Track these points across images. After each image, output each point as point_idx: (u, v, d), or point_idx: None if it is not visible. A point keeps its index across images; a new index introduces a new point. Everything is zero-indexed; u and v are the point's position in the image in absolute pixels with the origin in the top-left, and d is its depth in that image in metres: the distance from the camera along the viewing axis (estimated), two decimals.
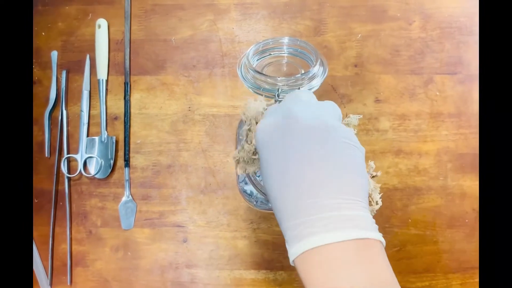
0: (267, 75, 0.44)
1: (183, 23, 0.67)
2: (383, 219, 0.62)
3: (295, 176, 0.33)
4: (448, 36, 0.66)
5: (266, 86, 0.44)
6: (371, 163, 0.40)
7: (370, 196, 0.38)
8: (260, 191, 0.42)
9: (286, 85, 0.44)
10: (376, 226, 0.33)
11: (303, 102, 0.38)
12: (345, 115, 0.63)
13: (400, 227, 0.62)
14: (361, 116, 0.44)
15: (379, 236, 0.32)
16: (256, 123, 0.41)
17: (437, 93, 0.65)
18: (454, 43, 0.66)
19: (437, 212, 0.63)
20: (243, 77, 0.46)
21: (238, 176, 0.46)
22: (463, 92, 0.65)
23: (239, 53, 0.66)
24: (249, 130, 0.40)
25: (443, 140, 0.64)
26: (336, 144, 0.34)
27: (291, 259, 0.33)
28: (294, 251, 0.32)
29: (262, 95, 0.45)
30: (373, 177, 0.41)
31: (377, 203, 0.39)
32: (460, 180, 0.63)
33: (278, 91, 0.43)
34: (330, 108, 0.39)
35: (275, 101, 0.43)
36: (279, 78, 0.44)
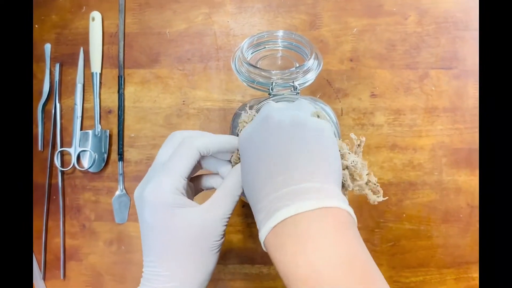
0: (261, 69, 0.44)
1: (177, 16, 0.67)
2: (377, 213, 0.62)
3: (266, 166, 0.35)
4: (444, 31, 0.65)
5: (260, 80, 0.44)
6: (352, 135, 0.40)
7: (354, 173, 0.38)
8: None
9: (281, 78, 0.44)
10: (346, 200, 0.34)
11: (277, 106, 0.40)
12: (341, 110, 0.64)
13: (395, 222, 0.62)
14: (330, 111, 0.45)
15: (348, 208, 0.33)
16: None
17: (433, 88, 0.64)
18: (449, 38, 0.65)
19: (431, 207, 0.63)
20: (237, 71, 0.46)
21: None
22: (458, 87, 0.64)
23: (234, 47, 0.66)
24: None
25: (438, 135, 0.64)
26: (305, 135, 0.36)
27: (262, 242, 0.33)
28: (262, 233, 0.33)
29: (256, 88, 0.45)
30: (359, 147, 0.40)
31: (369, 182, 0.39)
32: (455, 175, 0.63)
33: (272, 84, 0.43)
34: (302, 105, 0.41)
35: (269, 94, 0.43)
36: (273, 72, 0.44)
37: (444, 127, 0.64)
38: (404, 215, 0.63)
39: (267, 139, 0.36)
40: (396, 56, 0.65)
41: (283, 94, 0.43)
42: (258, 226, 0.34)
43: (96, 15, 0.65)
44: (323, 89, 0.64)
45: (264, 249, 0.34)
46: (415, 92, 0.64)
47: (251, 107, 0.45)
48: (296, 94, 0.42)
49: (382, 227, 0.62)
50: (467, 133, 0.64)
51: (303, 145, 0.35)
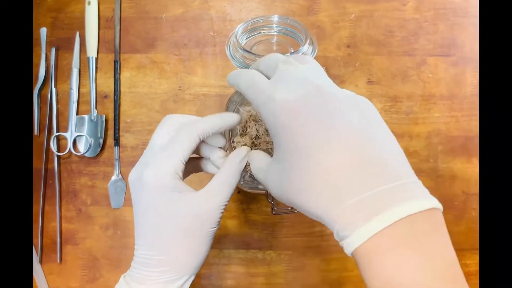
0: (255, 54, 0.44)
1: (174, 1, 0.66)
2: None
3: (349, 154, 0.29)
4: (442, 18, 0.65)
5: None
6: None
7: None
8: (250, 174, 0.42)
9: None
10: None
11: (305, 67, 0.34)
12: None
13: None
14: None
15: (440, 206, 0.29)
16: (253, 120, 0.41)
17: (430, 75, 0.64)
18: (448, 25, 0.65)
19: None
20: (232, 56, 0.46)
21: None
22: (456, 74, 0.64)
23: (231, 32, 0.65)
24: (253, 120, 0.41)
25: (434, 122, 0.64)
26: (377, 117, 0.33)
27: (351, 249, 0.27)
28: (356, 238, 0.27)
29: None
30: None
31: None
32: (451, 163, 0.63)
33: None
34: (319, 68, 0.36)
35: None
36: None
37: (441, 114, 0.64)
38: None
39: (335, 115, 0.30)
40: (393, 42, 0.65)
41: None
42: (334, 226, 0.28)
43: None
44: None
45: (350, 255, 0.28)
46: (413, 79, 0.64)
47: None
48: None
49: None
50: (464, 121, 0.63)
51: (383, 128, 0.31)
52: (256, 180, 0.38)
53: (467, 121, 0.63)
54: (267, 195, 0.44)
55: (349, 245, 0.27)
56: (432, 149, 0.63)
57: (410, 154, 0.63)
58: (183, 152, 0.36)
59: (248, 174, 0.42)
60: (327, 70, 0.64)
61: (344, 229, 0.27)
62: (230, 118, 0.39)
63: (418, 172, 0.61)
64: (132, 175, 0.38)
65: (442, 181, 0.63)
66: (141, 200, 0.37)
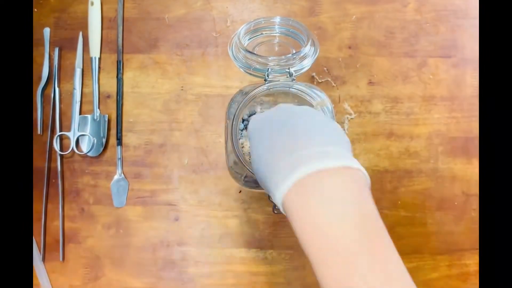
0: (257, 55, 0.44)
1: (176, 1, 0.67)
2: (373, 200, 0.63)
3: (285, 137, 0.35)
4: (443, 19, 0.65)
5: (257, 66, 0.44)
6: None
7: None
8: (248, 169, 0.42)
9: (277, 65, 0.44)
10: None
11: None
12: (338, 97, 0.64)
13: (390, 209, 0.63)
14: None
15: (364, 171, 0.33)
16: None
17: (431, 76, 0.65)
18: (449, 26, 0.65)
19: (426, 195, 0.63)
20: (234, 57, 0.46)
21: (228, 156, 0.46)
22: (456, 75, 0.65)
23: (233, 33, 0.65)
24: None
25: (435, 123, 0.64)
26: (317, 117, 0.38)
27: (280, 203, 0.33)
28: (281, 190, 0.32)
29: (253, 74, 0.45)
30: None
31: None
32: (451, 163, 0.64)
33: (268, 71, 0.43)
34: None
35: (265, 80, 0.43)
36: (269, 58, 0.44)
37: (441, 115, 0.64)
38: (400, 202, 0.63)
39: (280, 117, 0.38)
40: (394, 43, 0.65)
41: (278, 80, 0.43)
42: (272, 191, 0.34)
43: (95, 0, 0.65)
44: (321, 76, 0.64)
45: (281, 209, 0.34)
46: (413, 80, 0.65)
47: (246, 93, 0.45)
48: (292, 80, 0.43)
49: None
50: (464, 122, 0.64)
51: (318, 122, 0.37)
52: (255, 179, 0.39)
53: (468, 122, 0.64)
54: (269, 195, 0.45)
55: (278, 197, 0.33)
56: (432, 150, 0.64)
57: (410, 154, 0.63)
58: None
59: (245, 174, 0.42)
60: (328, 71, 0.64)
61: (273, 188, 0.33)
62: None
63: (418, 172, 0.62)
64: None
65: (442, 181, 0.63)
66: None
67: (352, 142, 0.63)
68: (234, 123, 0.41)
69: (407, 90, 0.64)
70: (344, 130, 0.64)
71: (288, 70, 0.43)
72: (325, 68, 0.65)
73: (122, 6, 0.66)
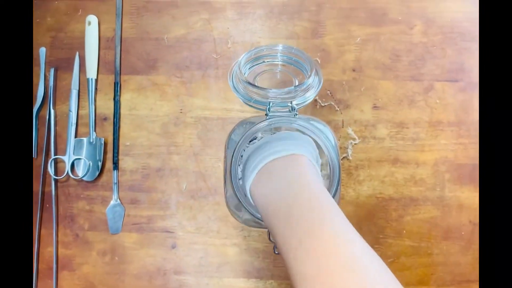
0: (258, 87, 0.42)
1: (176, 21, 0.65)
2: (377, 229, 0.61)
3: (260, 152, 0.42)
4: (450, 42, 0.63)
5: (257, 98, 0.42)
6: None
7: None
8: (246, 207, 0.40)
9: (278, 97, 0.42)
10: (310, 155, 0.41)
11: None
12: (341, 122, 0.62)
13: (395, 238, 0.61)
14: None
15: (307, 155, 0.40)
16: None
17: (437, 101, 0.63)
18: (456, 49, 0.63)
19: (432, 224, 0.61)
20: (234, 88, 0.44)
21: (226, 192, 0.44)
22: (464, 100, 0.63)
23: (234, 54, 0.64)
24: None
25: (441, 149, 0.62)
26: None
27: (249, 194, 0.40)
28: (248, 182, 0.40)
29: (253, 107, 0.43)
30: None
31: None
32: (458, 192, 0.61)
33: (269, 104, 0.41)
34: None
35: (266, 114, 0.41)
36: (270, 91, 0.42)
37: (448, 141, 0.62)
38: (405, 231, 0.61)
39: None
40: (400, 67, 0.63)
41: (280, 115, 0.41)
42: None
43: (93, 19, 0.64)
44: (324, 100, 0.62)
45: (251, 200, 0.41)
46: (419, 105, 0.63)
47: (247, 125, 0.43)
48: (294, 116, 0.41)
49: (381, 243, 0.61)
50: (472, 148, 0.62)
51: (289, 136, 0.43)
52: (255, 215, 0.39)
53: (475, 148, 0.62)
54: (269, 234, 0.42)
55: (247, 191, 0.40)
56: (439, 177, 0.62)
57: (416, 182, 0.61)
58: None
59: (243, 211, 0.40)
60: (332, 95, 0.63)
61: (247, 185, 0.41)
62: None
63: (424, 200, 0.60)
64: None
65: (448, 210, 0.61)
66: None
67: (356, 168, 0.61)
68: (233, 160, 0.39)
69: (413, 115, 0.62)
70: (348, 155, 0.62)
71: (290, 104, 0.41)
72: (328, 92, 0.63)
73: (120, 26, 0.64)
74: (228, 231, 0.61)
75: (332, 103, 0.63)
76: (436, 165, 0.62)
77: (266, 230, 0.45)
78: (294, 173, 0.38)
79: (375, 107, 0.63)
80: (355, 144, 0.62)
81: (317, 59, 0.63)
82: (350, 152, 0.62)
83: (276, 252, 0.42)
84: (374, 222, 0.61)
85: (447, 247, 0.61)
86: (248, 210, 0.39)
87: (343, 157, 0.62)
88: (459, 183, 0.61)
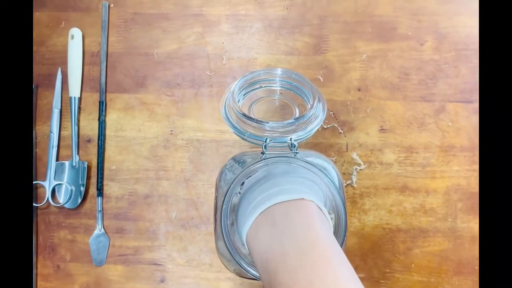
0: (254, 119, 0.37)
1: (167, 35, 0.60)
2: (383, 263, 0.56)
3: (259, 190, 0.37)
4: (464, 60, 0.58)
5: (253, 132, 0.38)
6: None
7: None
8: (237, 261, 0.35)
9: (276, 131, 0.37)
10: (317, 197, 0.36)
11: None
12: (346, 145, 0.57)
13: (402, 273, 0.56)
14: None
15: (315, 200, 0.35)
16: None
17: (450, 124, 0.58)
18: (470, 68, 0.58)
19: (443, 257, 0.56)
20: (227, 118, 0.39)
21: (216, 240, 0.39)
22: (478, 123, 0.58)
23: (229, 71, 0.59)
24: None
25: (453, 176, 0.57)
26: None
27: (245, 242, 0.35)
28: (244, 231, 0.35)
29: (248, 141, 0.38)
30: None
31: None
32: (471, 222, 0.57)
33: (265, 141, 0.36)
34: None
35: (262, 153, 0.36)
36: (267, 124, 0.37)
37: (461, 168, 0.57)
38: (413, 265, 0.56)
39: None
40: (409, 86, 0.58)
41: (278, 154, 0.36)
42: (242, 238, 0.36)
43: (76, 33, 0.59)
44: (327, 122, 0.58)
45: (246, 248, 0.36)
46: (430, 128, 0.58)
47: (240, 163, 0.38)
48: (294, 155, 0.36)
49: (388, 278, 0.56)
50: None
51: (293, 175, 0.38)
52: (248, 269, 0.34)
53: None
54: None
55: (244, 238, 0.35)
56: (450, 207, 0.57)
57: (426, 211, 0.56)
58: None
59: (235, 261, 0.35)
60: (335, 116, 0.58)
61: (242, 231, 0.36)
62: None
63: (435, 231, 0.55)
64: None
65: (461, 242, 0.56)
66: None
67: (361, 196, 0.57)
68: (224, 206, 0.34)
69: (423, 138, 0.57)
70: (352, 182, 0.57)
71: (290, 141, 0.36)
72: (331, 112, 0.58)
73: (106, 40, 0.59)
74: (222, 264, 0.56)
75: (336, 125, 0.58)
76: (447, 193, 0.57)
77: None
78: (302, 226, 0.32)
79: (382, 129, 0.58)
80: (360, 170, 0.57)
81: (320, 77, 0.58)
82: (354, 178, 0.57)
83: None
84: (380, 255, 0.56)
85: (459, 283, 0.56)
86: (240, 265, 0.34)
87: (347, 184, 0.57)
88: (472, 213, 0.57)
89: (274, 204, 0.34)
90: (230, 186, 0.34)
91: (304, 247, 0.30)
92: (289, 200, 0.34)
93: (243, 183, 0.36)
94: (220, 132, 0.58)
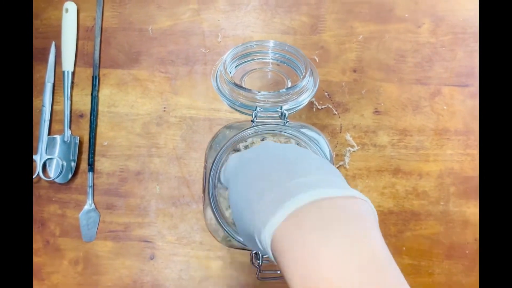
0: (245, 88, 0.37)
1: (162, 11, 0.59)
2: None
3: (276, 169, 0.30)
4: (461, 43, 0.58)
5: (244, 101, 0.37)
6: None
7: None
8: (224, 228, 0.35)
9: (267, 100, 0.37)
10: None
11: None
12: (339, 127, 0.57)
13: (393, 256, 0.55)
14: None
15: (372, 205, 0.28)
16: None
17: (444, 107, 0.57)
18: (467, 51, 0.58)
19: (434, 240, 0.56)
20: (218, 88, 0.39)
21: (205, 208, 0.39)
22: (473, 107, 0.57)
23: (224, 49, 0.58)
24: None
25: (447, 160, 0.57)
26: (307, 151, 0.33)
27: (268, 240, 0.26)
28: (273, 222, 0.25)
29: (238, 111, 0.38)
30: None
31: None
32: (463, 206, 0.56)
33: (255, 109, 0.36)
34: None
35: (252, 121, 0.36)
36: (259, 93, 0.36)
37: (455, 151, 0.57)
38: (404, 248, 0.56)
39: (267, 152, 0.32)
40: (405, 68, 0.58)
41: (267, 122, 0.36)
42: (257, 230, 0.27)
43: (71, 6, 0.58)
44: (321, 102, 0.57)
45: (269, 252, 0.27)
46: (425, 111, 0.57)
47: (231, 130, 0.38)
48: (284, 124, 0.35)
49: None
50: None
51: (311, 155, 0.32)
52: (234, 236, 0.32)
53: None
54: (252, 257, 0.37)
55: (267, 235, 0.25)
56: (443, 191, 0.56)
57: (418, 195, 0.56)
58: None
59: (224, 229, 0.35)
60: (330, 97, 0.57)
61: (263, 224, 0.26)
62: None
63: (427, 215, 0.54)
64: None
65: (452, 226, 0.56)
66: None
67: (353, 177, 0.56)
68: (212, 173, 0.34)
69: (418, 121, 0.57)
70: (345, 164, 0.56)
71: (280, 110, 0.36)
72: (326, 93, 0.57)
73: (101, 15, 0.59)
74: (212, 243, 0.56)
75: (330, 106, 0.57)
76: (440, 177, 0.57)
77: (249, 250, 0.40)
78: (364, 239, 0.25)
79: (376, 111, 0.57)
80: (354, 151, 0.57)
81: (315, 57, 0.58)
82: (347, 160, 0.56)
83: (260, 278, 0.37)
84: None
85: (450, 267, 0.56)
86: (227, 232, 0.34)
87: (340, 165, 0.57)
88: (465, 198, 0.56)
89: (319, 200, 0.25)
90: (218, 153, 0.34)
91: (365, 266, 0.24)
92: (339, 197, 0.26)
93: (236, 150, 0.36)
94: (213, 111, 0.58)
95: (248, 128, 0.35)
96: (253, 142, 0.37)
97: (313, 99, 0.57)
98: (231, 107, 0.38)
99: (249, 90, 0.37)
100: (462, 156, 0.57)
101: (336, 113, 0.57)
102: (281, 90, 0.37)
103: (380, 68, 0.58)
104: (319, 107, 0.57)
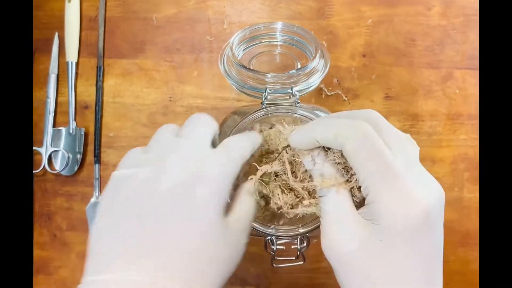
0: (253, 70, 0.36)
1: None
2: None
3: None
4: (473, 25, 0.57)
5: (253, 84, 0.36)
6: None
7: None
8: None
9: (277, 82, 0.36)
10: None
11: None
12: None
13: None
14: None
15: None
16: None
17: (457, 91, 0.56)
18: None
19: (449, 228, 0.55)
20: (226, 72, 0.38)
21: None
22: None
23: (230, 36, 0.57)
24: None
25: (460, 145, 0.55)
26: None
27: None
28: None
29: (248, 94, 0.37)
30: None
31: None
32: (478, 193, 0.55)
33: (265, 91, 0.35)
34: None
35: (262, 103, 0.35)
36: (268, 75, 0.35)
37: (468, 136, 0.56)
38: None
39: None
40: (416, 52, 0.57)
41: (279, 103, 0.35)
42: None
43: None
44: (331, 89, 0.56)
45: None
46: (437, 95, 0.56)
47: (241, 115, 0.37)
48: (295, 104, 0.34)
49: None
50: None
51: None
52: None
53: None
54: (267, 243, 0.36)
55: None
56: (457, 176, 0.55)
57: None
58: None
59: None
60: (339, 83, 0.56)
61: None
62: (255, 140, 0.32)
63: None
64: None
65: (467, 213, 0.55)
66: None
67: None
68: None
69: (429, 106, 0.56)
70: None
71: (290, 91, 0.35)
72: (335, 79, 0.56)
73: (104, 4, 0.58)
74: None
75: (340, 92, 0.56)
76: (454, 162, 0.55)
77: (263, 237, 0.39)
78: None
79: (387, 97, 0.56)
80: None
81: (323, 42, 0.57)
82: None
83: (274, 265, 0.36)
84: None
85: (465, 254, 0.55)
86: None
87: None
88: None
89: None
90: (228, 135, 0.33)
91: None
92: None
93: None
94: (220, 99, 0.57)
95: (258, 110, 0.34)
96: (261, 130, 0.36)
97: (323, 86, 0.56)
98: (240, 90, 0.37)
99: (258, 72, 0.36)
100: (476, 141, 0.55)
101: (346, 99, 0.56)
102: (290, 71, 0.36)
103: (389, 53, 0.57)
104: (329, 94, 0.56)
